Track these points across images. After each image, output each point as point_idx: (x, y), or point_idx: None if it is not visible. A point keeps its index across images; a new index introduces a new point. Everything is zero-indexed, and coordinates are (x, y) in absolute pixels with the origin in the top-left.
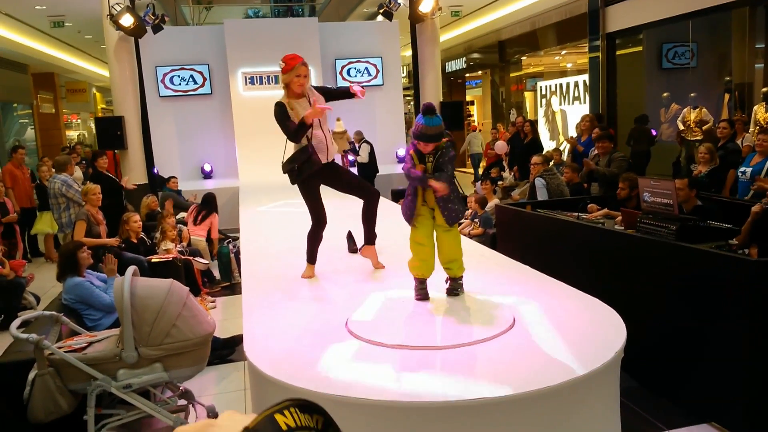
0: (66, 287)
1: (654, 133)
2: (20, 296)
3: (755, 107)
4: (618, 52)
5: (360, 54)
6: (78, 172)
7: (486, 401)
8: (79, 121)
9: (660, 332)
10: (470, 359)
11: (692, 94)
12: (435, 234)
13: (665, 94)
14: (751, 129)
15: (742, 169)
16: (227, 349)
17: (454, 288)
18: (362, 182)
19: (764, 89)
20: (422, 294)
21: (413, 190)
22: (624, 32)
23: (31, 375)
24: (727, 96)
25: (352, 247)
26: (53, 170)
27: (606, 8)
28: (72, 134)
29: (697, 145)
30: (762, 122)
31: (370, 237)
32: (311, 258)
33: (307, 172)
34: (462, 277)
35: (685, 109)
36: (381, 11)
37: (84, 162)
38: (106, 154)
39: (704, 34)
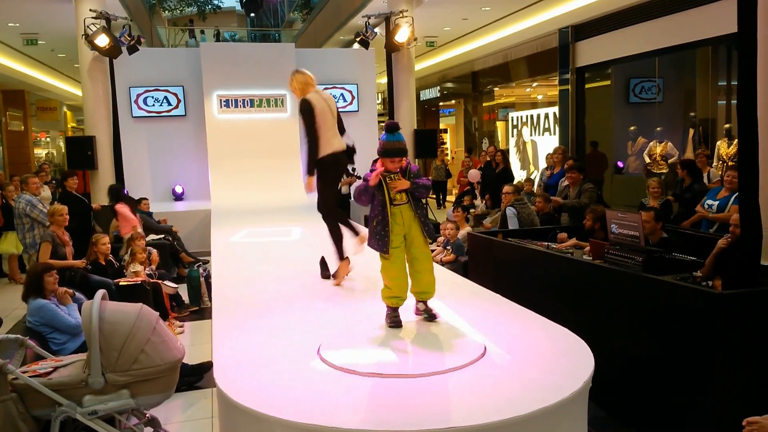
0: (30, 309)
1: (621, 164)
2: None
3: (718, 143)
4: (587, 86)
5: (336, 80)
6: (46, 192)
7: (457, 430)
8: (48, 139)
9: (628, 362)
10: (442, 388)
11: (658, 128)
12: (413, 259)
13: (632, 128)
14: (715, 164)
15: (708, 202)
16: (195, 376)
17: (430, 312)
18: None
19: (726, 125)
20: (396, 321)
21: (382, 217)
22: (593, 67)
23: None
24: (691, 131)
25: (325, 273)
26: (19, 190)
27: (576, 43)
28: (40, 152)
29: (662, 177)
30: (725, 157)
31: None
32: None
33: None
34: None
35: (651, 143)
36: (358, 39)
37: (54, 182)
38: (76, 174)
39: (670, 70)
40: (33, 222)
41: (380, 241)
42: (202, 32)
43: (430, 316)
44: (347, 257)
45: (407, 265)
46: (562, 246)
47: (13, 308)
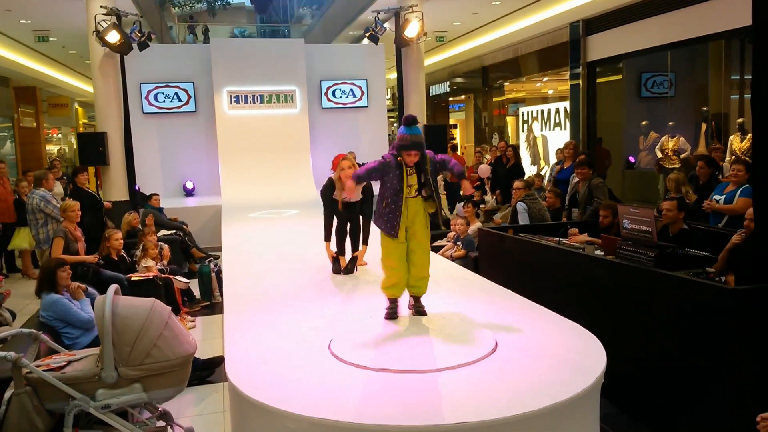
0: (43, 304)
1: (632, 160)
2: None
3: (731, 137)
4: (598, 80)
5: (346, 76)
6: (58, 188)
7: (468, 425)
8: (59, 135)
9: (640, 358)
10: (453, 383)
11: (670, 123)
12: (410, 252)
13: (644, 123)
14: (727, 158)
15: (716, 197)
16: (207, 370)
17: (419, 308)
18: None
19: (740, 120)
20: (392, 313)
21: (393, 201)
22: (604, 61)
23: (8, 394)
24: (704, 125)
25: (336, 268)
26: (32, 186)
27: (587, 37)
28: (52, 148)
29: (675, 172)
30: (738, 152)
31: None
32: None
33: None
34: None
35: (663, 138)
36: (367, 35)
37: (65, 177)
38: (87, 170)
39: (682, 64)
40: (47, 217)
41: (388, 224)
42: (192, 29)
43: (418, 312)
44: (343, 255)
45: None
46: (574, 240)
47: (26, 303)
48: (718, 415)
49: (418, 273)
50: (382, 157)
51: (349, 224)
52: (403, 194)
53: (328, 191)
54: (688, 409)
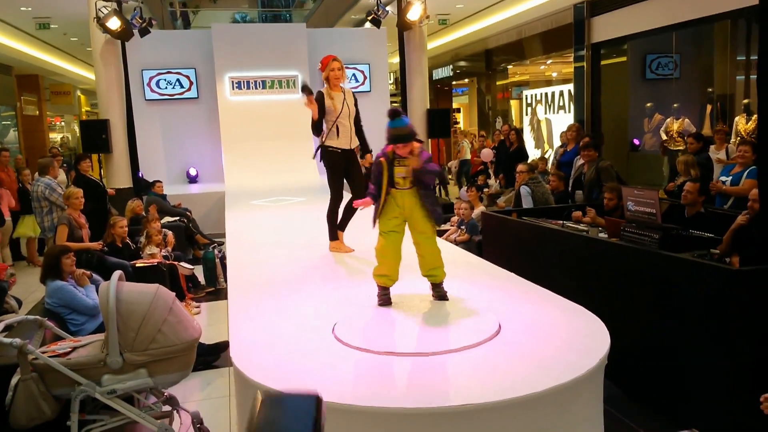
0: (48, 291)
1: (637, 142)
2: (2, 300)
3: (736, 118)
4: (602, 62)
5: (348, 60)
6: (61, 176)
7: (472, 407)
8: (62, 123)
9: (643, 340)
10: (457, 365)
11: (675, 105)
12: (416, 243)
13: (649, 105)
14: (733, 140)
15: (722, 178)
16: (212, 355)
17: (440, 293)
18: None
19: (745, 101)
20: (385, 300)
21: (378, 195)
22: (609, 43)
23: (14, 380)
24: (709, 107)
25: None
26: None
27: (591, 19)
28: (55, 136)
29: (679, 154)
30: (743, 133)
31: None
32: (333, 235)
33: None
34: (443, 281)
35: (668, 120)
36: (369, 18)
37: (65, 165)
38: (89, 158)
39: (687, 45)
40: (51, 205)
41: (373, 213)
42: (171, 14)
43: (440, 297)
44: (338, 238)
45: (414, 248)
46: (579, 216)
47: (32, 290)
48: (721, 395)
49: (429, 264)
50: (376, 157)
51: (347, 172)
52: (384, 188)
53: (318, 99)
54: (691, 390)
